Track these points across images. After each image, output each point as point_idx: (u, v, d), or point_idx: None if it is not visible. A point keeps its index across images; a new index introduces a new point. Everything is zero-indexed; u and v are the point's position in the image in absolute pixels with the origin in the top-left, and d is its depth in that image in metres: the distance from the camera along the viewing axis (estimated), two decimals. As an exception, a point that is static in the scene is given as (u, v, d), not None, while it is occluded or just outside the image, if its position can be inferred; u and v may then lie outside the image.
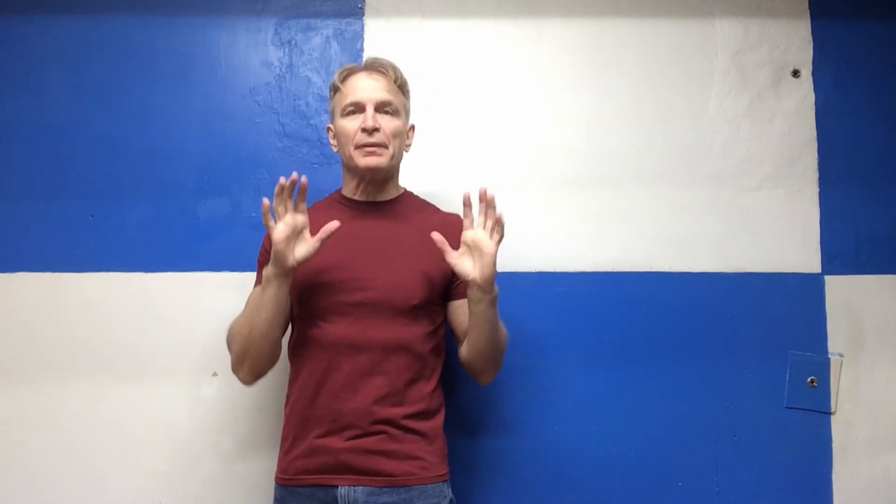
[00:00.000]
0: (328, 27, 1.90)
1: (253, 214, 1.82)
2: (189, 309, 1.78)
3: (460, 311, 1.52)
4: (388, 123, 1.49)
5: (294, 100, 1.87)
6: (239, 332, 1.46)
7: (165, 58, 1.86)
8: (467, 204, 1.41)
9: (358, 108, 1.49)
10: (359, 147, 1.48)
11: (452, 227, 1.55)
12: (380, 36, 1.90)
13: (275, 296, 1.39)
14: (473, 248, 1.40)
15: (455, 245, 1.45)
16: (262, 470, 1.74)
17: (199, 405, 1.76)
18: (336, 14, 1.90)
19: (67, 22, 1.86)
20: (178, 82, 1.86)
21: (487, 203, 1.40)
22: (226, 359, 1.74)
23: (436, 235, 1.40)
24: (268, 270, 1.38)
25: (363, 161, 1.48)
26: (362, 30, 1.90)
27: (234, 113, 1.86)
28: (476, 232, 1.40)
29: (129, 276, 1.79)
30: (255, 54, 1.88)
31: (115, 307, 1.78)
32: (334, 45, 1.90)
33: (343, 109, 1.50)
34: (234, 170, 1.84)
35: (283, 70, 1.88)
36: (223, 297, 1.78)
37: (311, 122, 1.86)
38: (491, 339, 1.46)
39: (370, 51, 1.88)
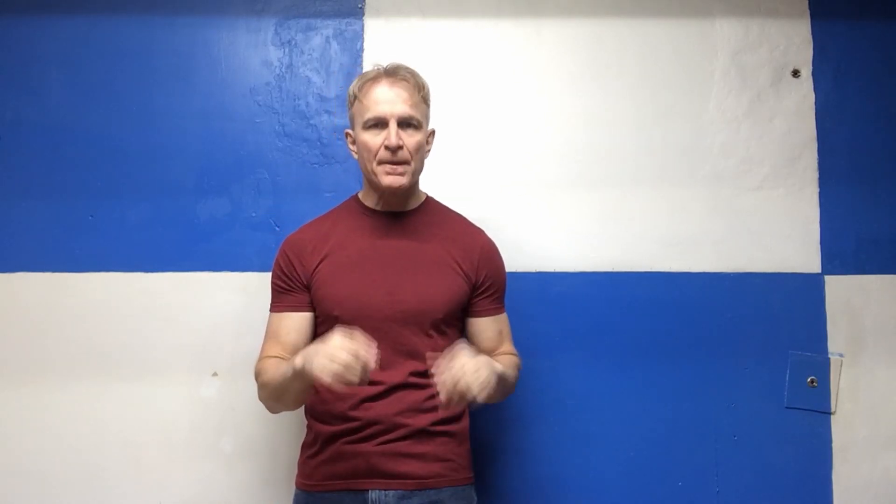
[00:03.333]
0: (328, 27, 1.90)
1: (253, 214, 1.82)
2: (189, 309, 1.78)
3: (475, 329, 1.53)
4: (410, 139, 1.44)
5: (294, 100, 1.87)
6: (267, 386, 1.41)
7: (165, 57, 1.86)
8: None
9: (380, 123, 1.43)
10: (381, 164, 1.44)
11: (474, 243, 1.55)
12: (380, 36, 1.90)
13: (304, 388, 1.34)
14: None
15: (472, 260, 1.49)
16: (261, 470, 1.74)
17: (199, 405, 1.76)
18: (336, 14, 1.90)
19: (67, 22, 1.86)
20: (178, 82, 1.86)
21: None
22: (226, 359, 1.76)
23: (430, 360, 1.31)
24: (298, 366, 1.27)
25: (386, 180, 1.44)
26: (362, 30, 1.90)
27: (234, 113, 1.85)
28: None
29: (129, 276, 1.79)
30: (255, 54, 1.88)
31: (115, 307, 1.78)
32: (334, 45, 1.90)
33: (365, 122, 1.44)
34: (234, 170, 1.84)
35: (283, 70, 1.88)
36: (223, 297, 1.78)
37: (311, 122, 1.86)
38: (497, 396, 1.41)
39: (370, 51, 1.89)
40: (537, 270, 1.84)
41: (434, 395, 1.39)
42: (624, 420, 1.79)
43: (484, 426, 1.77)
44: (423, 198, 1.58)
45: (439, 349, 1.42)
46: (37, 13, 1.86)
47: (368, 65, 1.87)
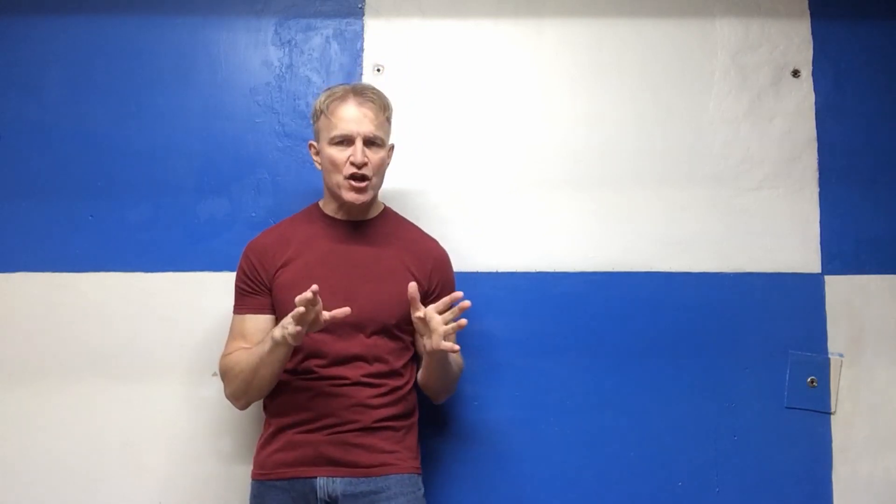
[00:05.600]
0: (328, 27, 1.90)
1: (253, 214, 1.82)
2: (189, 309, 1.78)
3: None
4: (374, 157, 1.52)
5: (294, 100, 1.87)
6: (238, 375, 1.50)
7: (165, 58, 1.86)
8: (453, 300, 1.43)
9: (347, 141, 1.50)
10: (346, 178, 1.50)
11: (428, 253, 1.62)
12: (380, 36, 1.90)
13: (283, 357, 1.44)
14: (429, 325, 1.43)
15: (425, 269, 1.57)
16: (262, 470, 1.74)
17: (199, 405, 1.76)
18: (336, 14, 1.90)
19: (67, 22, 1.86)
20: (178, 82, 1.86)
21: (460, 308, 1.40)
22: (226, 359, 1.75)
23: (412, 289, 1.45)
24: (278, 337, 1.40)
25: (348, 196, 1.52)
26: (362, 30, 1.90)
27: (234, 113, 1.86)
28: (436, 319, 1.41)
29: (129, 276, 1.79)
30: (255, 54, 1.88)
31: (114, 307, 1.78)
32: (334, 45, 1.90)
33: (332, 139, 1.52)
34: (234, 170, 1.84)
35: (283, 70, 1.88)
36: (223, 297, 1.77)
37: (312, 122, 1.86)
38: (440, 379, 1.56)
39: (370, 51, 1.89)
40: (537, 270, 1.84)
41: (384, 394, 1.49)
42: (624, 420, 1.79)
43: (483, 425, 1.77)
44: (382, 208, 1.64)
45: (389, 352, 1.52)
46: (37, 13, 1.86)
47: (368, 65, 1.88)
